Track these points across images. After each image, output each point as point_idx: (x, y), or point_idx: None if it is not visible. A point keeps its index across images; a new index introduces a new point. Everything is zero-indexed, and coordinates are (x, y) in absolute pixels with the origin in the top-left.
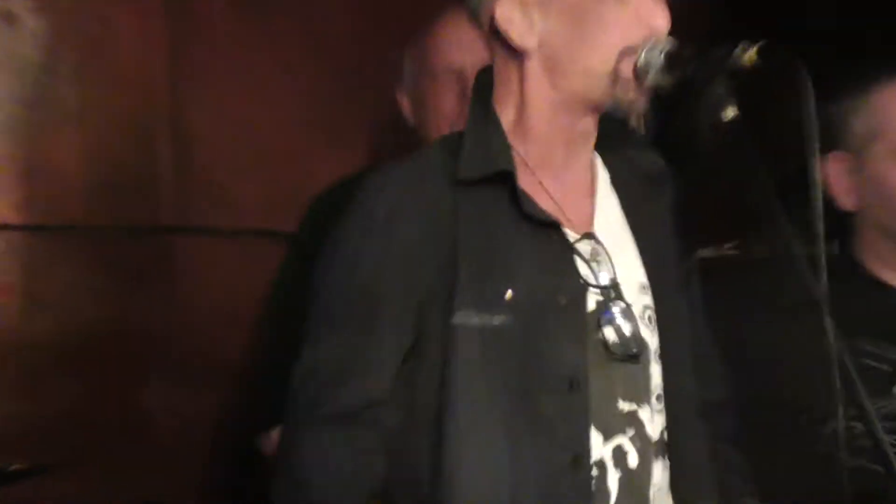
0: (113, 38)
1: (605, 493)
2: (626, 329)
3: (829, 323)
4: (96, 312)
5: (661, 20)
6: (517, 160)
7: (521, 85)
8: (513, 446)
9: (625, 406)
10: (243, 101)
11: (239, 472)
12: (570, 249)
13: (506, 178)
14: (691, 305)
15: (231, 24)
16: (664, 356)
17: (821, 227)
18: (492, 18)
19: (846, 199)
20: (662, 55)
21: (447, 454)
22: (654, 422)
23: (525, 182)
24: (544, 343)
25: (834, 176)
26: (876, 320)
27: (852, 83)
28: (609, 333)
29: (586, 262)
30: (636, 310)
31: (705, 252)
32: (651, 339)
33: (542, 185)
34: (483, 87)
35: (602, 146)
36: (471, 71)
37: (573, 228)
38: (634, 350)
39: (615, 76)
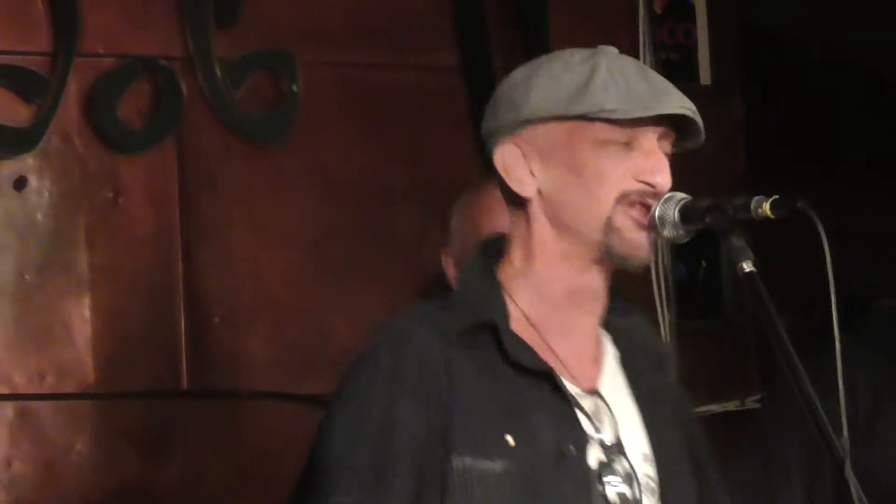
0: (125, 200)
1: None
2: (629, 492)
3: (852, 480)
4: (118, 482)
5: (660, 177)
6: (517, 315)
7: (527, 233)
8: None
9: None
10: (252, 252)
11: None
12: (572, 402)
13: (495, 329)
14: (705, 470)
15: (237, 168)
16: None
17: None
18: (493, 163)
19: None
20: (677, 209)
21: None
22: None
23: (526, 334)
24: (549, 492)
25: None
26: None
27: None
28: (611, 493)
29: (588, 417)
30: (640, 478)
31: (731, 405)
32: None
33: (545, 343)
34: (486, 250)
35: (609, 327)
36: None
37: (577, 384)
38: None
39: (610, 226)
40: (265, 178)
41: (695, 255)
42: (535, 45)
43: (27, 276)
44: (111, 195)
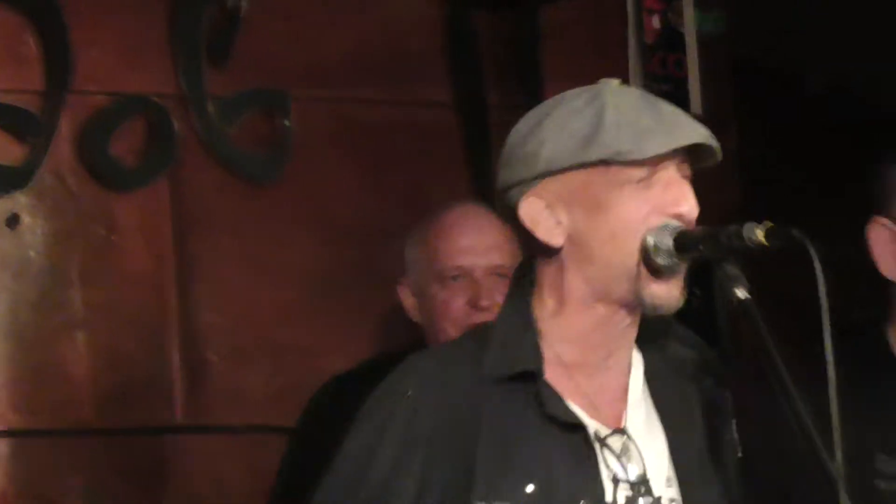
0: (119, 237)
1: None
2: None
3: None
4: None
5: (686, 206)
6: (550, 357)
7: (559, 279)
8: None
9: None
10: (247, 289)
11: None
12: (597, 449)
13: (532, 377)
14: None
15: (231, 206)
16: None
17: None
18: (518, 217)
19: (888, 268)
20: (672, 238)
21: None
22: None
23: (556, 379)
24: None
25: (876, 241)
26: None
27: None
28: None
29: (616, 456)
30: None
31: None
32: None
33: (575, 382)
34: (521, 280)
35: (640, 337)
36: (481, 274)
37: (604, 423)
38: None
39: (637, 271)
40: (260, 215)
41: (688, 284)
42: (528, 79)
43: (21, 314)
44: (104, 232)
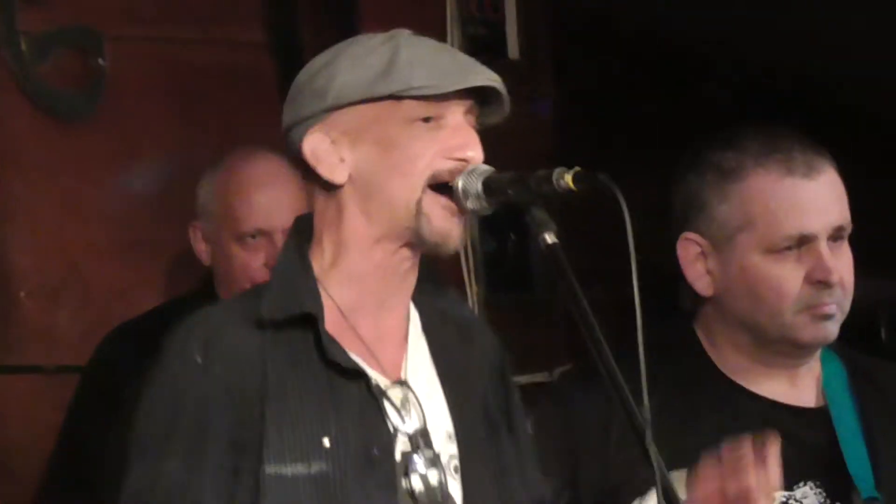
0: None
1: None
2: (433, 479)
3: (653, 451)
4: None
5: (471, 152)
6: (329, 304)
7: (338, 219)
8: None
9: None
10: (59, 227)
11: None
12: (380, 397)
13: (312, 322)
14: (517, 446)
15: (43, 144)
16: None
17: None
18: (301, 154)
19: (700, 284)
20: (480, 181)
21: None
22: None
23: (335, 327)
24: (358, 492)
25: (685, 258)
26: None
27: (715, 159)
28: (416, 483)
29: (396, 409)
30: (443, 459)
31: (539, 376)
32: (456, 489)
33: (355, 330)
34: (300, 231)
35: (416, 298)
36: (281, 235)
37: (385, 374)
38: (441, 500)
39: (419, 208)
40: (72, 153)
41: (503, 229)
42: (343, 20)
43: None
44: None
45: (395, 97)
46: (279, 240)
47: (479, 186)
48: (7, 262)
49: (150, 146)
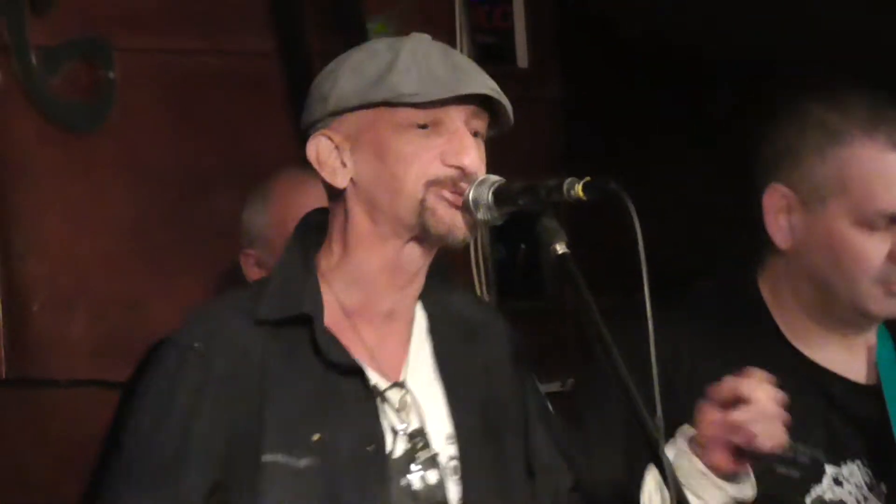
0: None
1: None
2: (432, 479)
3: (667, 461)
4: None
5: (467, 158)
6: (332, 303)
7: (345, 220)
8: None
9: None
10: (68, 239)
11: None
12: (377, 397)
13: (310, 321)
14: (539, 443)
15: (52, 155)
16: None
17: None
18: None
19: (780, 237)
20: (490, 192)
21: None
22: None
23: (336, 326)
24: (349, 488)
25: (770, 209)
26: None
27: (819, 116)
28: (415, 481)
29: (395, 410)
30: (442, 459)
31: (552, 386)
32: (454, 490)
33: (356, 331)
34: (305, 228)
35: (425, 298)
36: None
37: (384, 376)
38: (440, 500)
39: (423, 206)
40: (81, 164)
41: (514, 237)
42: (351, 29)
43: None
44: None
45: (389, 104)
46: None
47: (490, 197)
48: (19, 274)
49: (160, 156)
